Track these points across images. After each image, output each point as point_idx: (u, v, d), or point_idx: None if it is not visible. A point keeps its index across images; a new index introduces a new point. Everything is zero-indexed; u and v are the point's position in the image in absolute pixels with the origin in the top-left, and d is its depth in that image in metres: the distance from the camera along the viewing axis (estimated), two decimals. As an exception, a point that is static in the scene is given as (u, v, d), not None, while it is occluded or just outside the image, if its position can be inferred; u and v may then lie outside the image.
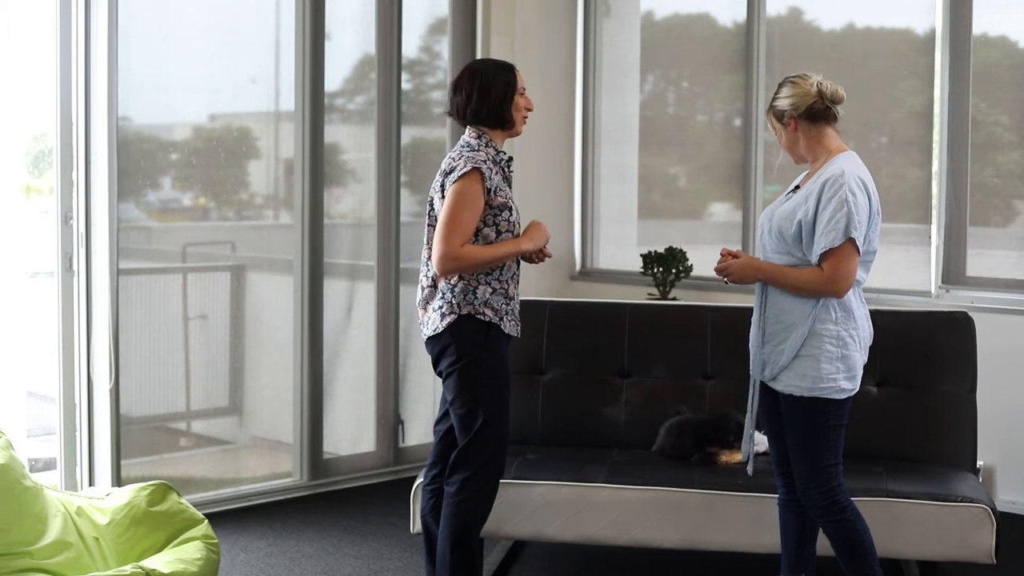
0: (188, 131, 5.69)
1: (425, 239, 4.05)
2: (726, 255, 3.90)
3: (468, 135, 4.04)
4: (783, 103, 3.81)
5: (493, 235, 3.95)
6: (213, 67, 5.68)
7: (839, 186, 3.65)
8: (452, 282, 3.94)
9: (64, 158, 5.08)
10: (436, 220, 3.96)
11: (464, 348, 3.94)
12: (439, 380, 4.09)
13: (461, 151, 3.98)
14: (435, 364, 4.06)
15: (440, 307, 3.95)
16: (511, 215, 3.98)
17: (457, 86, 4.06)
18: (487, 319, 3.94)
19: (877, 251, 3.80)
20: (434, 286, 4.00)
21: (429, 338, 4.01)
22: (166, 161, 5.61)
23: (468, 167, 3.89)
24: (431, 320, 3.99)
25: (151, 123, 5.54)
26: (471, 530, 4.01)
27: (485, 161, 3.92)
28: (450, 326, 3.93)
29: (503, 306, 3.98)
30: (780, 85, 3.86)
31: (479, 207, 3.90)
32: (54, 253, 5.10)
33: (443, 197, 3.92)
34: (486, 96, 4.00)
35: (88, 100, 5.08)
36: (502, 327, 3.97)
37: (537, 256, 4.09)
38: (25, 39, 5.17)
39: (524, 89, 4.07)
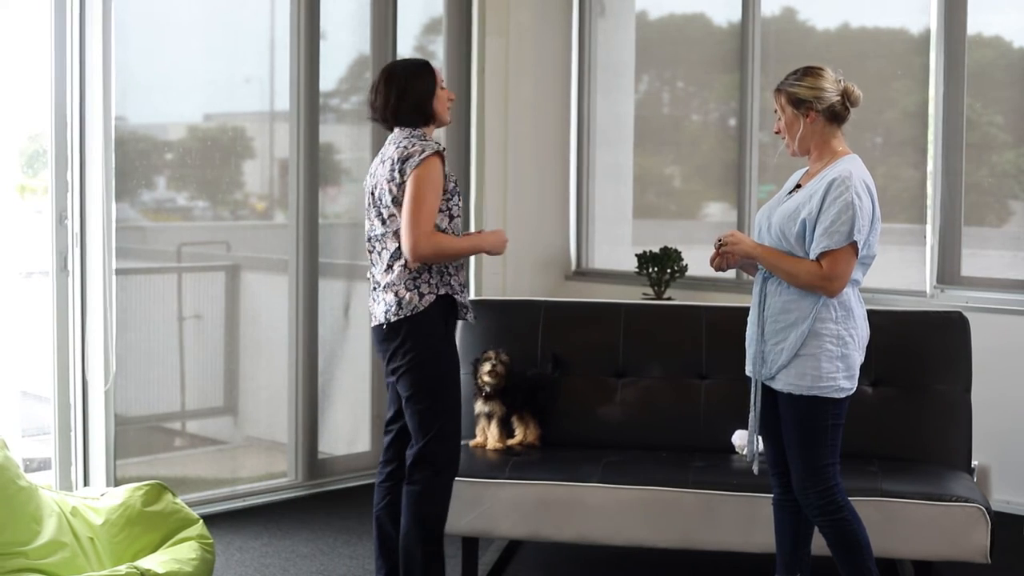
0: (183, 131, 5.69)
1: (379, 232, 3.97)
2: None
3: (405, 132, 3.98)
4: (807, 92, 3.72)
5: (446, 221, 3.95)
6: (208, 67, 5.68)
7: (846, 187, 3.63)
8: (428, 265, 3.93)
9: (59, 158, 5.07)
10: (387, 209, 3.92)
11: (425, 341, 3.92)
12: None
13: (412, 140, 3.94)
14: (393, 355, 3.97)
15: (418, 286, 3.91)
16: (460, 201, 4.00)
17: (375, 90, 4.02)
18: (456, 298, 3.96)
19: (876, 255, 3.80)
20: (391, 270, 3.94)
21: (405, 319, 3.91)
22: (161, 161, 5.61)
23: (430, 151, 3.87)
24: (408, 301, 3.91)
25: (146, 123, 5.54)
26: (442, 524, 4.05)
27: (438, 146, 3.92)
28: (430, 305, 3.89)
29: (463, 290, 4.02)
30: (803, 73, 3.76)
31: (440, 192, 3.88)
32: (49, 253, 5.09)
33: (400, 184, 3.88)
34: (404, 97, 3.98)
35: (83, 100, 5.08)
36: (459, 313, 4.01)
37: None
38: (20, 38, 5.16)
39: (443, 82, 4.08)
